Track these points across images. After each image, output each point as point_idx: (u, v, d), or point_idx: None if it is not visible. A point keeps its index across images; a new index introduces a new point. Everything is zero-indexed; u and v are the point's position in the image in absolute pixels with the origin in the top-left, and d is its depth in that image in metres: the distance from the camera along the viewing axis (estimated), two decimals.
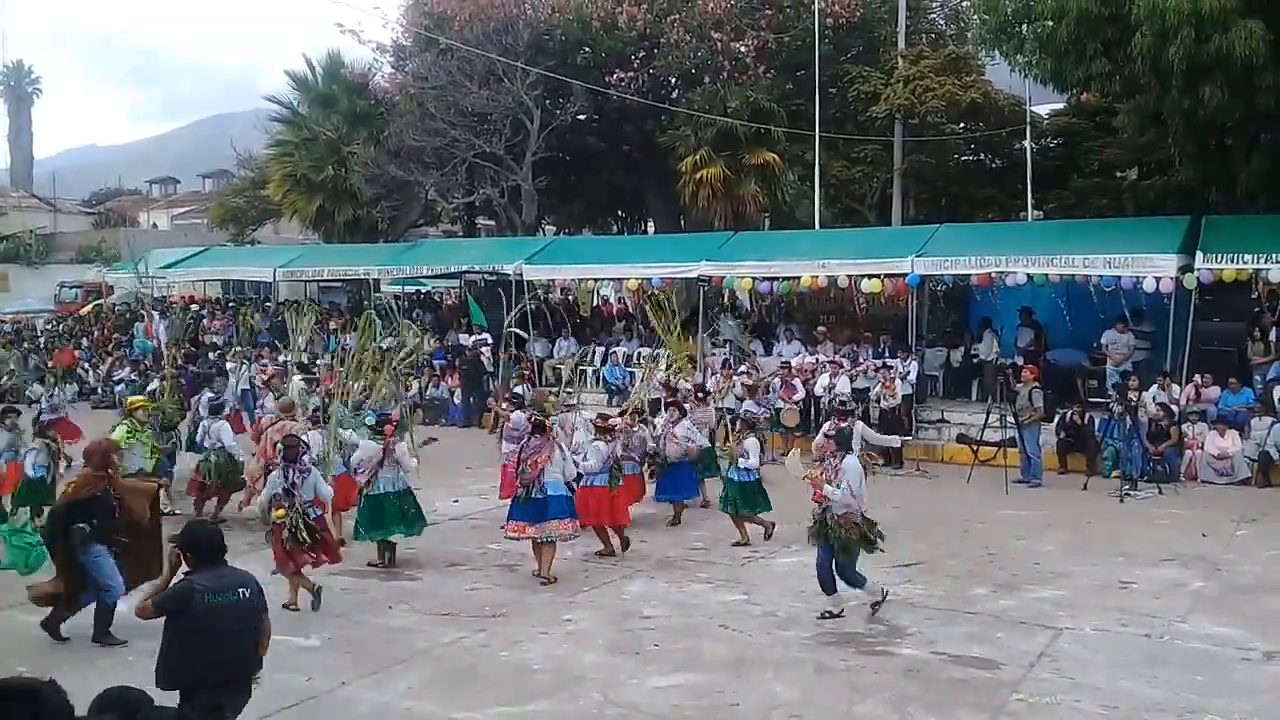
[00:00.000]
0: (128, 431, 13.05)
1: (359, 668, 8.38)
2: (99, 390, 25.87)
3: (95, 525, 8.83)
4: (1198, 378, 16.79)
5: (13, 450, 13.40)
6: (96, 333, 30.30)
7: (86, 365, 27.63)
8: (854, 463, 9.58)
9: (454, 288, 29.30)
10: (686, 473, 13.61)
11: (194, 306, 31.06)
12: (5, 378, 26.05)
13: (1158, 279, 16.61)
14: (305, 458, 10.38)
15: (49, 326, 32.53)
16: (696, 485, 13.94)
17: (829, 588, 9.51)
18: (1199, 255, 16.54)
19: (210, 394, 15.66)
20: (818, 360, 19.03)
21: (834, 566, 9.44)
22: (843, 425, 11.64)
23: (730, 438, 13.29)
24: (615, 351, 22.63)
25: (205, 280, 33.08)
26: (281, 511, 9.86)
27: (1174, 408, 16.34)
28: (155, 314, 29.40)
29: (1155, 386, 16.51)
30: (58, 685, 3.63)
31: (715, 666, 8.35)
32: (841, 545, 9.36)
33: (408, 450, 11.75)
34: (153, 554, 9.03)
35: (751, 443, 12.55)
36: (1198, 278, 16.39)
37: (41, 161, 78.31)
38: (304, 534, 9.80)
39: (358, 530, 11.36)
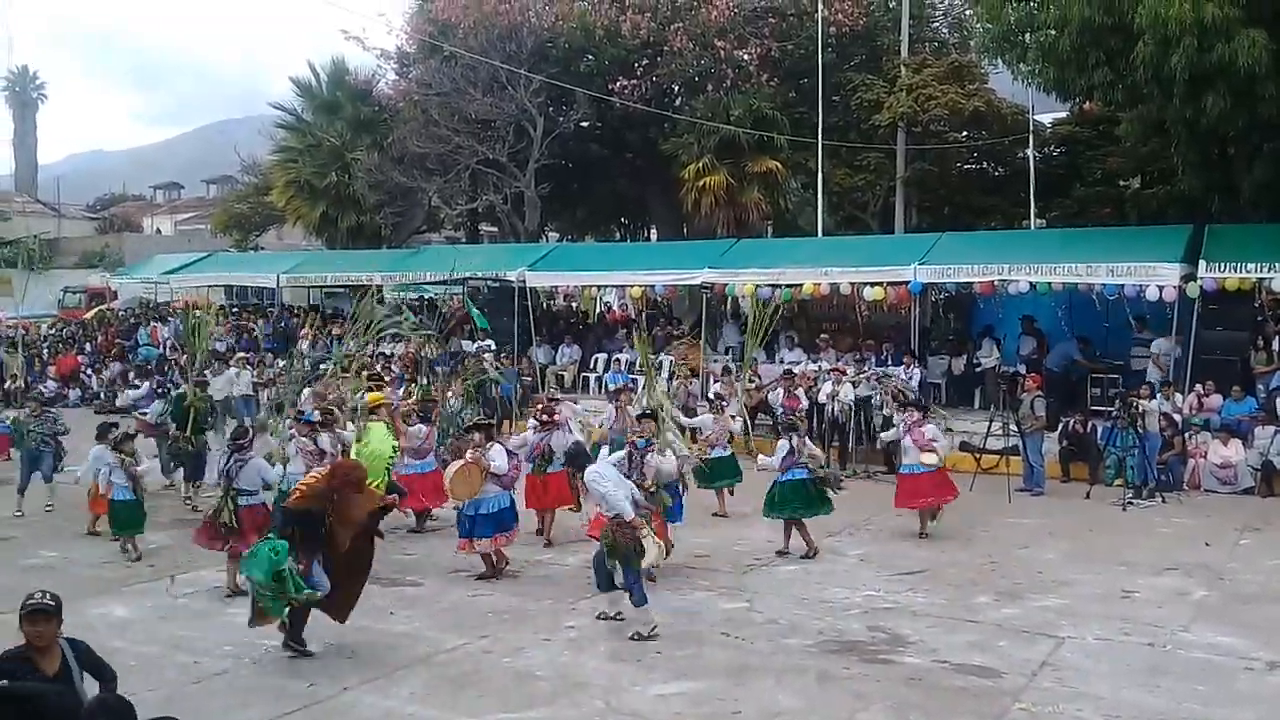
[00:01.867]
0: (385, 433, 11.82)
1: (361, 673, 8.38)
2: (101, 395, 25.90)
3: (298, 537, 8.49)
4: (1199, 386, 16.79)
5: (109, 467, 12.35)
6: (100, 338, 30.34)
7: (89, 370, 27.67)
8: (607, 470, 9.72)
9: (456, 294, 29.33)
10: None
11: (196, 312, 31.08)
12: (8, 381, 26.12)
13: (1160, 288, 16.61)
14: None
15: (52, 331, 32.58)
16: (678, 510, 11.78)
17: (601, 584, 9.59)
18: (1202, 264, 16.54)
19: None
20: (819, 368, 19.03)
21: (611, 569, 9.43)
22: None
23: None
24: (618, 358, 22.64)
25: (209, 286, 33.10)
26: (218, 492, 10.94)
27: (1177, 417, 16.33)
28: (160, 319, 29.53)
29: (1159, 395, 16.49)
30: (61, 689, 3.65)
31: (717, 674, 8.34)
32: (608, 548, 9.35)
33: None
34: (357, 574, 8.91)
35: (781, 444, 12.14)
36: (1201, 287, 16.40)
37: (46, 166, 78.54)
38: (227, 517, 10.54)
39: None
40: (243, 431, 11.36)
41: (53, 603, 5.48)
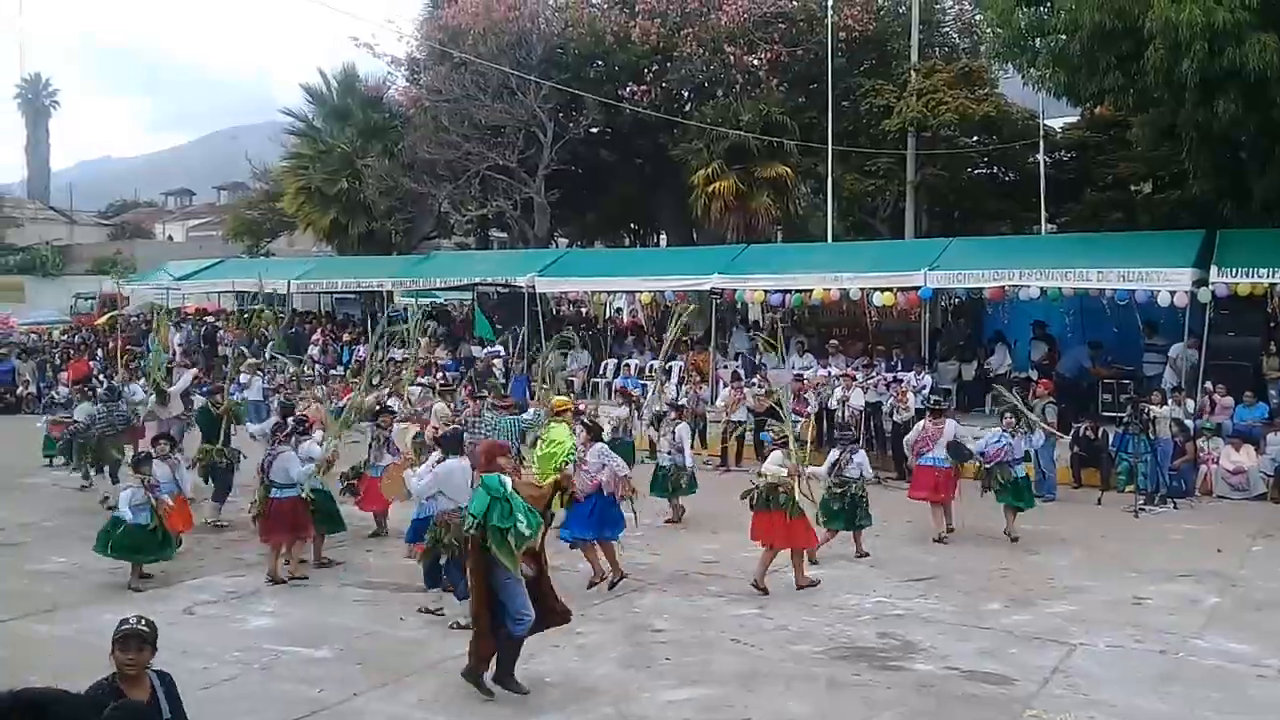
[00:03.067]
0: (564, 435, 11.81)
1: (370, 679, 8.38)
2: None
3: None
4: (1208, 384, 16.69)
5: (174, 483, 11.73)
6: (111, 344, 30.45)
7: (101, 376, 27.75)
8: (452, 464, 9.71)
9: (466, 300, 29.40)
10: (598, 506, 11.03)
11: (209, 318, 31.23)
12: (20, 387, 26.26)
13: (1172, 293, 16.54)
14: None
15: (64, 337, 32.72)
16: (617, 521, 11.23)
17: (430, 580, 9.82)
18: (1214, 269, 16.47)
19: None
20: (829, 373, 19.01)
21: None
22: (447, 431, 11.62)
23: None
24: (628, 364, 22.64)
25: (220, 292, 33.25)
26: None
27: (1188, 423, 16.26)
28: (171, 325, 29.61)
29: (1171, 401, 16.42)
30: (71, 695, 3.64)
31: (727, 680, 8.33)
32: (434, 540, 9.63)
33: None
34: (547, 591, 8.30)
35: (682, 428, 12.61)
36: (1213, 292, 16.33)
37: (58, 173, 79.05)
38: (259, 507, 11.17)
39: None
40: (281, 425, 11.97)
41: (148, 629, 5.11)
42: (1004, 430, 13.28)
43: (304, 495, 11.22)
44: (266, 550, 11.38)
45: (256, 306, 30.01)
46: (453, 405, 15.09)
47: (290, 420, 12.19)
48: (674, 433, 14.16)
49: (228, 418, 14.31)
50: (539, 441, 11.97)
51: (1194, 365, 17.20)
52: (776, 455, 11.12)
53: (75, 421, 16.19)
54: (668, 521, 14.08)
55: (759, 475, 11.21)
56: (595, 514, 10.91)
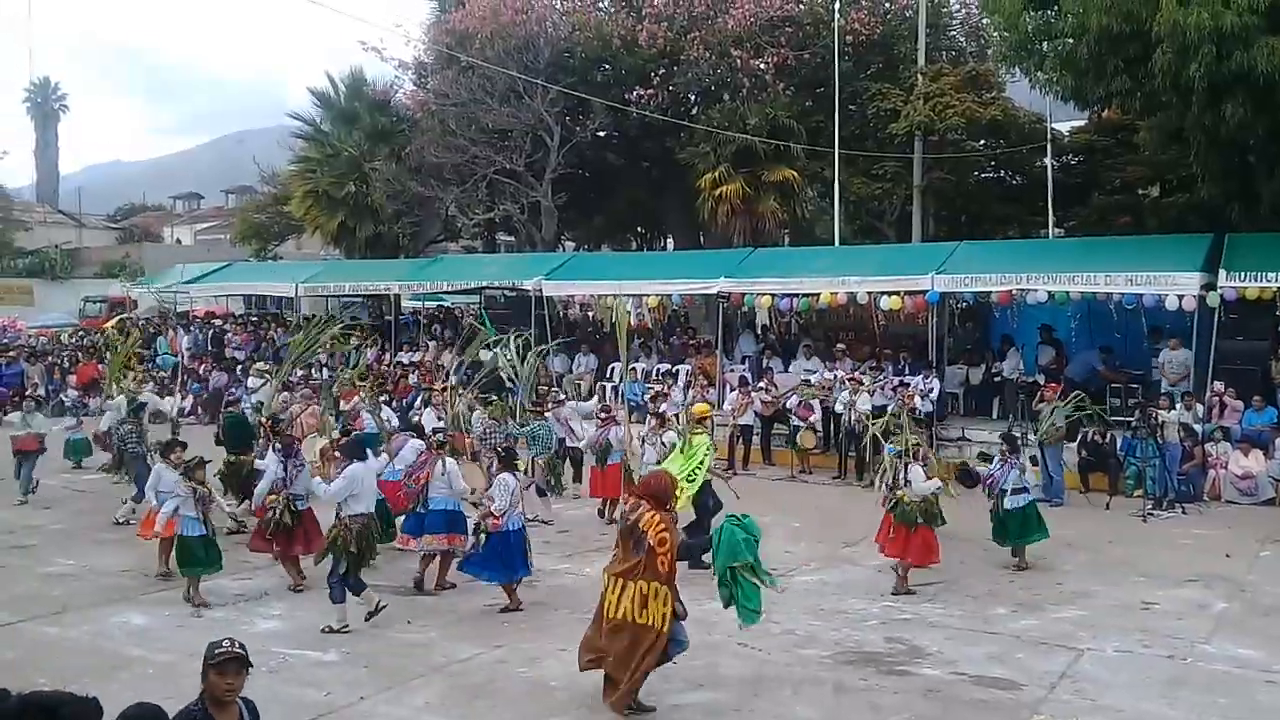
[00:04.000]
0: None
1: (376, 683, 8.40)
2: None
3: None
4: (1218, 384, 16.63)
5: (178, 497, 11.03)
6: (120, 347, 30.54)
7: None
8: (358, 468, 10.07)
9: (473, 303, 29.43)
10: (502, 543, 10.26)
11: (216, 321, 31.32)
12: (29, 390, 26.33)
13: (1180, 297, 16.50)
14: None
15: (72, 340, 32.81)
16: (518, 562, 10.46)
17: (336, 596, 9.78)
18: (1222, 273, 16.42)
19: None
20: (835, 377, 18.99)
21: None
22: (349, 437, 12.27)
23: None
24: (634, 367, 22.64)
25: (228, 295, 33.34)
26: (274, 498, 11.13)
27: (1197, 427, 16.22)
28: (179, 328, 29.71)
29: (1179, 406, 16.38)
30: (80, 699, 3.66)
31: (734, 685, 8.33)
32: (332, 542, 9.82)
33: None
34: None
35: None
36: (1221, 296, 16.28)
37: (67, 177, 79.32)
38: (286, 517, 11.02)
39: None
40: (290, 438, 12.08)
41: (244, 651, 4.90)
42: (1000, 461, 12.33)
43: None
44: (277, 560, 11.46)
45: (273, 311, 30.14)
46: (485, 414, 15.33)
47: (275, 436, 12.35)
48: (661, 441, 13.89)
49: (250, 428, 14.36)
50: (676, 451, 11.92)
51: (1183, 365, 17.19)
52: (919, 472, 10.96)
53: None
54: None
55: (898, 491, 10.97)
56: (501, 554, 10.28)
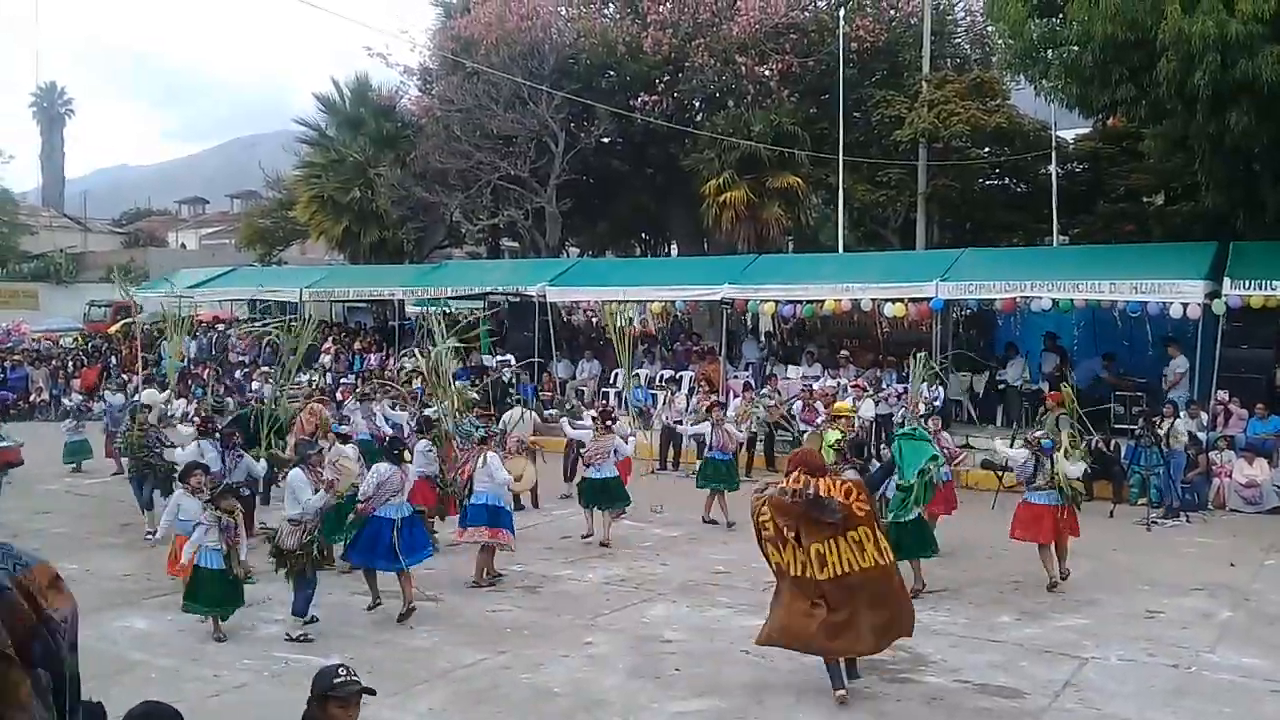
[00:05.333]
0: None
1: (380, 688, 8.31)
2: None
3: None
4: (1222, 393, 16.60)
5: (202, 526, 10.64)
6: (124, 351, 30.59)
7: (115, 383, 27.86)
8: (297, 473, 10.02)
9: (477, 309, 29.47)
10: (371, 529, 10.21)
11: (220, 326, 31.34)
12: (34, 394, 26.39)
13: (1185, 305, 16.50)
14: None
15: (74, 344, 32.87)
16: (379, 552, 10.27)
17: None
18: (1226, 281, 16.42)
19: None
20: (839, 384, 18.98)
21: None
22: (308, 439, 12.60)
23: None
24: (638, 373, 22.65)
25: (232, 300, 33.39)
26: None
27: (1201, 435, 16.19)
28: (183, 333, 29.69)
29: (1184, 414, 16.36)
30: (86, 702, 3.65)
31: (737, 692, 8.31)
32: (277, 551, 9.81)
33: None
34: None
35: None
36: (1225, 304, 16.27)
37: (73, 181, 79.51)
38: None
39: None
40: (231, 433, 12.45)
41: (360, 680, 4.57)
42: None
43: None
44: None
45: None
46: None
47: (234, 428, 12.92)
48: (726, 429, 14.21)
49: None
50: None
51: (1184, 373, 17.18)
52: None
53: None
54: (583, 537, 13.68)
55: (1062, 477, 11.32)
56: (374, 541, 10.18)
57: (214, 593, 9.49)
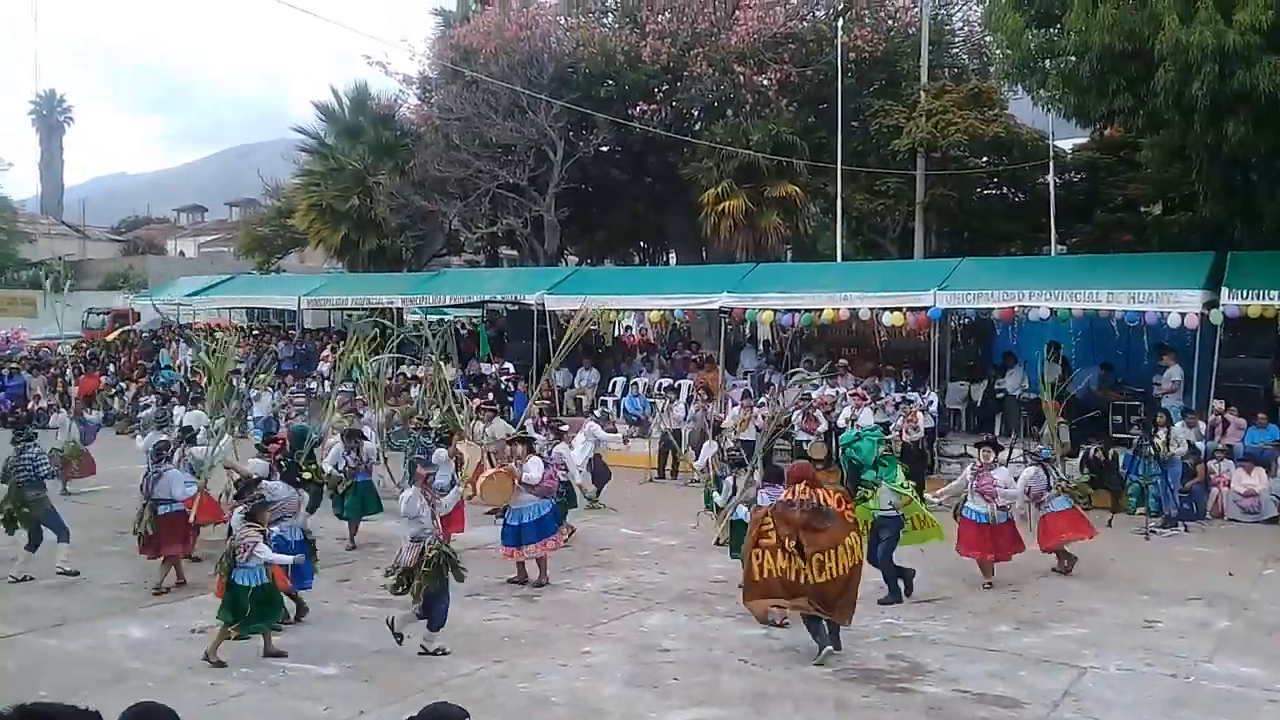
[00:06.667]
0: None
1: (377, 697, 8.37)
2: (125, 416, 26.03)
3: None
4: (1219, 403, 16.60)
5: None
6: (123, 359, 30.58)
7: (112, 392, 27.85)
8: (408, 493, 9.94)
9: (475, 317, 29.46)
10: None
11: (218, 334, 31.31)
12: (32, 401, 26.35)
13: (1182, 315, 16.49)
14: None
15: (73, 352, 32.83)
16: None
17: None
18: (1224, 291, 16.42)
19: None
20: (838, 393, 18.97)
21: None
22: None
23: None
24: (636, 382, 22.65)
25: (230, 308, 33.38)
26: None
27: (1199, 445, 16.19)
28: (180, 341, 29.70)
29: (1181, 423, 16.36)
30: (83, 712, 3.64)
31: (735, 701, 8.29)
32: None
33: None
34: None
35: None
36: (1223, 313, 16.28)
37: (71, 189, 79.57)
38: (148, 527, 11.47)
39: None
40: (164, 444, 12.40)
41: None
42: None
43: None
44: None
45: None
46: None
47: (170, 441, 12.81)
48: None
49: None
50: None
51: (1175, 380, 17.20)
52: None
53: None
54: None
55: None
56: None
57: (250, 609, 9.14)
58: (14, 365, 28.50)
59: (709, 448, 15.11)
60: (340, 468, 13.88)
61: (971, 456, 16.16)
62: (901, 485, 11.19)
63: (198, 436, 13.70)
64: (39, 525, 11.93)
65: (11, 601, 10.99)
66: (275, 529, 9.95)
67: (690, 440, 18.69)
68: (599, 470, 15.97)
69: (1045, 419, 15.91)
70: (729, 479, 13.03)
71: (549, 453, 12.95)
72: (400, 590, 9.43)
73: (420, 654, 9.26)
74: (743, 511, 11.58)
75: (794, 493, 9.24)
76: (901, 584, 11.05)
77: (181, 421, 15.46)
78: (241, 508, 9.76)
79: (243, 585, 9.10)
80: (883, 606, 10.90)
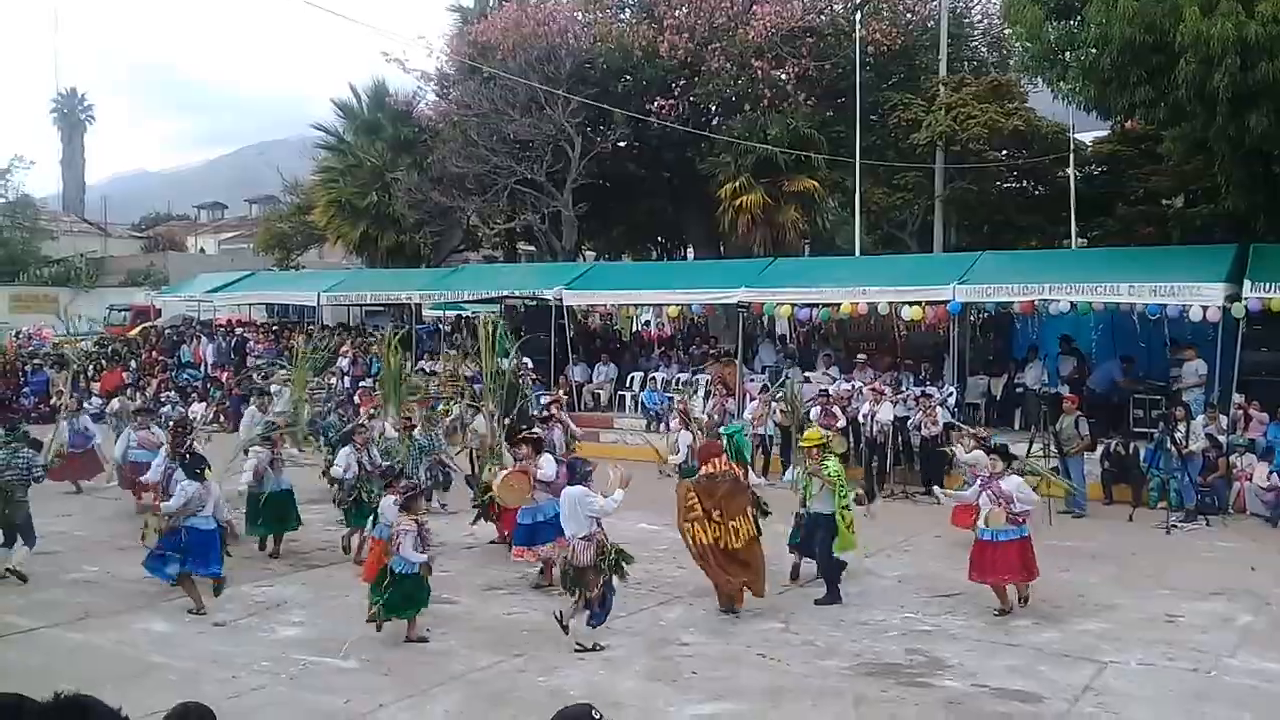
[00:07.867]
0: None
1: (396, 690, 8.41)
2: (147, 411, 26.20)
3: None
4: (1240, 397, 16.47)
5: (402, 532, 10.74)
6: (144, 355, 30.79)
7: (133, 387, 28.03)
8: (574, 490, 9.86)
9: (494, 312, 29.55)
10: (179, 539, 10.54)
11: (239, 330, 31.51)
12: (55, 398, 26.55)
13: (1204, 308, 16.35)
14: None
15: (95, 348, 33.08)
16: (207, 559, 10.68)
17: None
18: (1246, 284, 16.27)
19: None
20: (854, 387, 18.92)
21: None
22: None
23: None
24: (654, 377, 22.66)
25: (251, 304, 33.58)
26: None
27: (1221, 438, 16.08)
28: (203, 337, 29.90)
29: (1202, 417, 16.25)
30: (110, 709, 3.67)
31: (753, 695, 8.30)
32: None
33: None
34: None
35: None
36: (1246, 307, 16.14)
37: (93, 186, 79.96)
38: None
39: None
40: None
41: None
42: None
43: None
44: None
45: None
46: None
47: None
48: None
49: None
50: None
51: (1196, 373, 17.06)
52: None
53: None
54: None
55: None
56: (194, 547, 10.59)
57: (413, 593, 9.56)
58: (37, 361, 28.73)
59: (684, 438, 14.84)
60: (348, 471, 12.99)
61: (961, 429, 15.93)
62: (836, 473, 10.94)
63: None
64: (15, 527, 11.83)
65: (36, 596, 11.09)
66: (194, 522, 10.47)
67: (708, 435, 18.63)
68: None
69: (1062, 412, 15.87)
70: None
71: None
72: (573, 589, 9.45)
73: (576, 650, 9.23)
74: None
75: (715, 466, 10.52)
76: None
77: (197, 419, 15.68)
78: (395, 498, 10.02)
79: (398, 573, 9.41)
80: (901, 601, 10.88)
